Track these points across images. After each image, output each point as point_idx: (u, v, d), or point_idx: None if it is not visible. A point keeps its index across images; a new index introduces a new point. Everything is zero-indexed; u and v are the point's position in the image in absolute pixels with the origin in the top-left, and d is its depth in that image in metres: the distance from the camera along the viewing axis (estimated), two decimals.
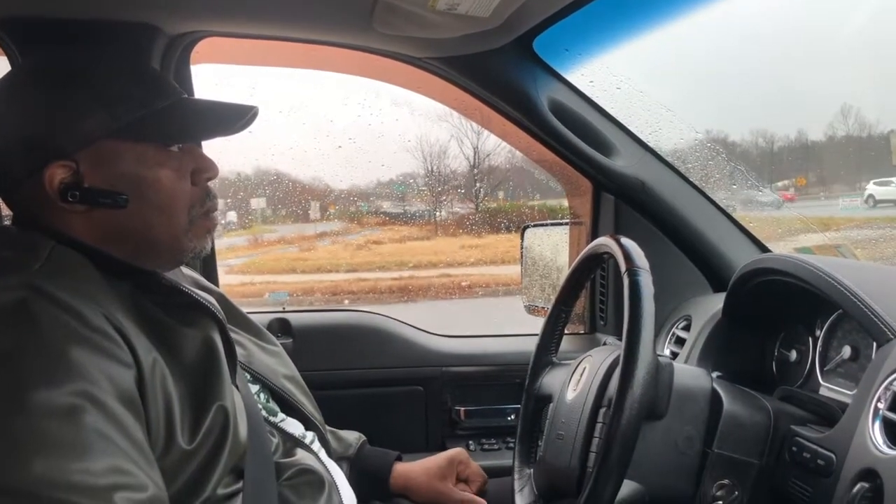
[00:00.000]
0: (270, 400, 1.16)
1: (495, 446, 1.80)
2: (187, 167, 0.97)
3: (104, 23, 1.28)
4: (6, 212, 1.03)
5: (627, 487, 0.97)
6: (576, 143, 1.67)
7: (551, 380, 1.25)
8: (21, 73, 0.96)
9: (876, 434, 0.91)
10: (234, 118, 0.99)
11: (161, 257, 0.97)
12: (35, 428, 0.69)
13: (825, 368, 1.19)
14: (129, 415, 0.78)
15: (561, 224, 2.03)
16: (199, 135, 1.05)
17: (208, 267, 1.67)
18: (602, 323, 1.91)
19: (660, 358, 1.02)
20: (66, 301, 0.78)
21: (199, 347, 0.93)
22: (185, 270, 1.19)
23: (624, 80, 1.71)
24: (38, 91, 0.91)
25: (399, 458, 1.38)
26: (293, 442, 1.10)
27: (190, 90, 1.51)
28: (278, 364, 1.23)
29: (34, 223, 0.91)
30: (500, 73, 1.59)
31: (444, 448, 1.58)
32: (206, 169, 0.99)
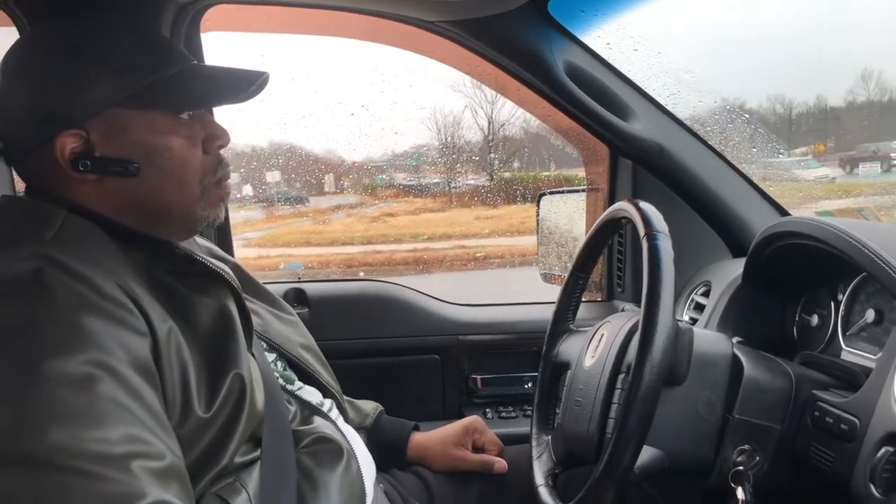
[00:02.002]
0: (287, 368, 1.16)
1: (512, 414, 1.80)
2: (198, 135, 0.96)
3: None
4: (19, 185, 1.02)
5: (647, 453, 0.96)
6: (592, 107, 1.64)
7: (569, 347, 1.24)
8: (28, 42, 0.95)
9: None
10: (244, 84, 0.97)
11: (174, 226, 0.96)
12: (50, 397, 0.69)
13: (848, 332, 1.17)
14: (145, 383, 0.77)
15: (577, 191, 2.01)
16: (209, 101, 1.03)
17: (223, 237, 1.67)
18: (619, 290, 1.90)
19: (679, 323, 1.01)
20: (80, 270, 0.78)
21: (215, 316, 0.92)
22: (200, 240, 1.19)
23: (641, 41, 1.67)
24: (46, 60, 0.90)
25: (416, 428, 1.39)
26: (311, 410, 1.10)
27: (200, 58, 1.50)
28: (294, 333, 1.23)
29: (46, 193, 0.91)
30: (515, 36, 1.57)
31: (460, 416, 1.59)
32: (217, 136, 0.98)
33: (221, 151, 1.00)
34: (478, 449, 1.36)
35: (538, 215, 2.05)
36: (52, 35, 0.93)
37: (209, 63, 1.07)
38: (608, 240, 1.27)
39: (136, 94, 0.89)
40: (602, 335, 1.12)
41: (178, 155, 0.93)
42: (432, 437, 1.36)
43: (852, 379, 1.06)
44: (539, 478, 1.15)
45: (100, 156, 0.89)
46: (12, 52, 0.92)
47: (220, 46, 1.59)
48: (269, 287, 1.28)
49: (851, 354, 1.14)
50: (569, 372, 1.18)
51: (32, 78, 0.89)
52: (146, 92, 0.90)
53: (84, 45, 0.90)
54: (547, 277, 2.05)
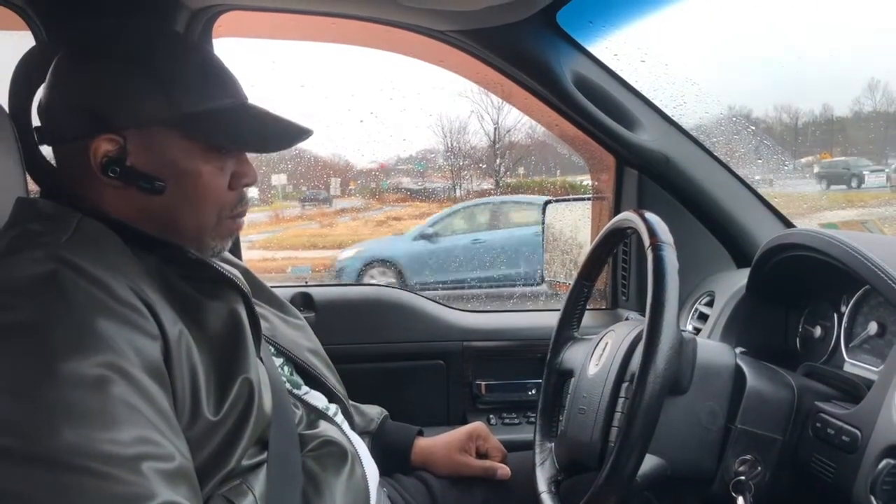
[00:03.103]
0: (294, 373, 1.17)
1: (516, 420, 1.80)
2: (229, 169, 0.96)
3: None
4: (33, 188, 1.04)
5: (650, 462, 0.97)
6: (599, 117, 1.65)
7: (573, 355, 1.24)
8: (87, 41, 0.95)
9: None
10: (289, 138, 0.98)
11: (182, 244, 0.97)
12: (64, 398, 0.70)
13: (850, 344, 1.18)
14: (156, 386, 0.79)
15: (582, 199, 2.01)
16: (253, 146, 1.01)
17: (232, 242, 1.68)
18: (624, 298, 1.91)
19: (683, 333, 1.02)
20: (94, 273, 0.79)
21: (225, 320, 0.93)
22: None
23: (649, 52, 1.68)
24: (103, 63, 0.90)
25: (420, 433, 1.39)
26: (317, 414, 1.11)
27: None
28: (302, 337, 1.24)
29: (63, 195, 0.92)
30: (524, 47, 1.58)
31: (465, 422, 1.60)
32: (246, 175, 0.98)
33: (245, 190, 1.01)
34: (481, 455, 1.37)
35: (543, 222, 2.06)
36: (117, 40, 0.93)
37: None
38: (613, 248, 1.28)
39: (182, 118, 0.90)
40: (606, 343, 1.13)
41: (206, 184, 0.94)
42: (436, 443, 1.37)
43: (854, 391, 1.06)
44: (542, 485, 1.16)
45: (131, 165, 0.90)
46: (74, 48, 0.93)
47: (232, 52, 1.61)
48: (276, 291, 1.29)
49: (854, 366, 1.15)
50: (573, 379, 1.19)
51: (90, 77, 0.90)
52: (192, 118, 0.91)
53: (145, 56, 0.90)
54: (552, 285, 2.06)
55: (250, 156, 1.02)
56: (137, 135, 0.89)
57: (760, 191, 1.73)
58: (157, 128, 0.90)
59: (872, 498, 0.89)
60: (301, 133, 0.98)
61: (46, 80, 0.93)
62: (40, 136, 0.97)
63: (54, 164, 0.97)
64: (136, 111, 0.88)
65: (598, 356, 1.13)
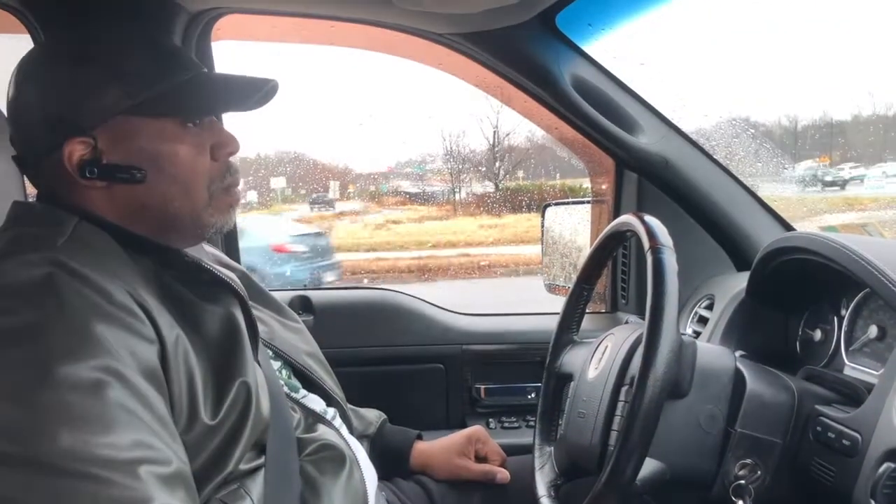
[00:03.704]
0: (292, 376, 1.16)
1: (515, 424, 1.80)
2: (206, 142, 0.96)
3: (125, 0, 1.28)
4: (31, 191, 1.04)
5: (649, 466, 0.97)
6: (599, 119, 1.65)
7: (572, 358, 1.24)
8: (39, 51, 0.96)
9: None
10: (252, 91, 0.97)
11: (183, 233, 0.97)
12: (60, 402, 0.70)
13: (850, 348, 1.18)
14: (153, 390, 0.78)
15: (582, 202, 2.01)
16: (217, 108, 1.02)
17: (230, 244, 1.68)
18: (623, 302, 1.90)
19: (683, 336, 1.01)
20: (90, 277, 0.79)
21: (222, 323, 0.93)
22: (208, 248, 1.19)
23: (648, 55, 1.68)
24: (55, 68, 0.91)
25: (419, 437, 1.39)
26: (315, 418, 1.11)
27: (211, 67, 1.51)
28: (300, 341, 1.23)
29: (57, 200, 0.92)
30: (523, 50, 1.58)
31: (464, 426, 1.59)
32: (226, 144, 0.98)
33: (231, 158, 1.00)
34: (480, 459, 1.36)
35: (543, 226, 2.06)
36: (63, 43, 0.94)
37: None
38: (613, 252, 1.27)
39: (145, 102, 0.89)
40: (606, 347, 1.13)
41: (185, 162, 0.93)
42: (435, 447, 1.36)
43: (855, 394, 1.06)
44: (541, 489, 1.15)
45: (107, 163, 0.89)
46: (26, 60, 0.93)
47: (232, 56, 1.61)
48: (274, 294, 1.29)
49: (854, 370, 1.15)
50: (572, 383, 1.19)
51: (43, 85, 0.90)
52: (154, 100, 0.90)
53: (94, 52, 0.91)
54: (551, 288, 2.06)
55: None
56: (106, 131, 0.89)
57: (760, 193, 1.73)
58: (122, 118, 0.89)
59: (873, 502, 0.89)
60: (262, 85, 0.97)
61: (8, 94, 0.93)
62: (18, 160, 0.97)
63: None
64: (97, 107, 0.88)
65: (597, 360, 1.13)
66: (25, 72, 0.92)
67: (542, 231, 2.06)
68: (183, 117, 0.93)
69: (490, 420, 1.81)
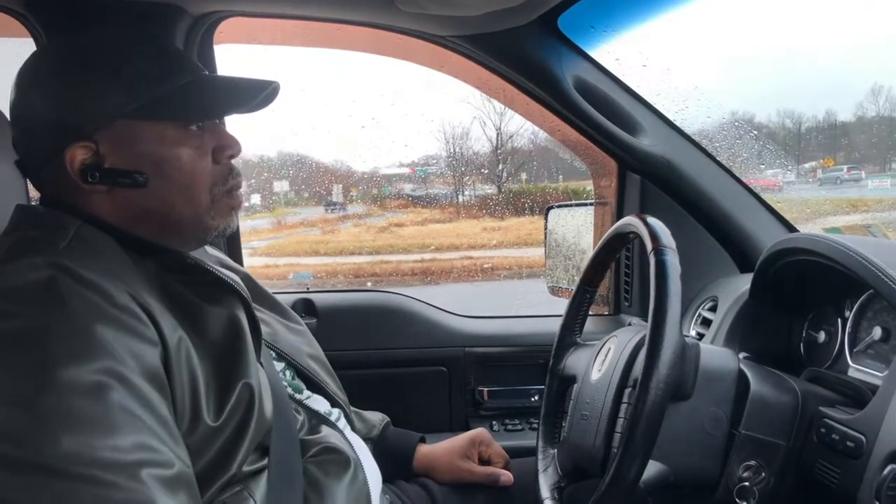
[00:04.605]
0: (296, 377, 1.16)
1: (518, 427, 1.80)
2: (208, 145, 0.96)
3: (128, 3, 1.29)
4: (34, 194, 1.04)
5: (653, 468, 0.97)
6: (601, 122, 1.65)
7: (575, 360, 1.24)
8: (42, 55, 0.96)
9: None
10: (253, 93, 0.97)
11: (185, 236, 0.97)
12: (63, 405, 0.70)
13: (854, 349, 1.17)
14: (155, 392, 0.78)
15: (585, 204, 2.01)
16: (219, 112, 1.02)
17: (233, 247, 1.68)
18: (626, 304, 1.90)
19: (686, 338, 1.01)
20: (92, 280, 0.79)
21: (225, 325, 0.93)
22: (210, 250, 1.19)
23: (650, 57, 1.68)
24: (58, 72, 0.91)
25: (422, 440, 1.39)
26: (318, 419, 1.11)
27: (213, 71, 1.51)
28: (303, 343, 1.23)
29: (60, 203, 0.92)
30: (525, 52, 1.58)
31: (467, 428, 1.59)
32: (227, 146, 0.98)
33: (233, 161, 1.00)
34: (484, 461, 1.36)
35: (546, 228, 2.06)
36: (64, 48, 0.94)
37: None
38: (616, 254, 1.27)
39: (145, 106, 0.90)
40: (609, 349, 1.13)
41: (187, 165, 0.93)
42: (438, 449, 1.36)
43: (859, 396, 1.05)
44: (545, 491, 1.15)
45: (109, 167, 0.89)
46: (29, 64, 0.94)
47: (234, 59, 1.61)
48: (277, 297, 1.29)
49: (858, 371, 1.14)
50: (575, 385, 1.18)
51: (44, 90, 0.90)
52: (155, 103, 0.90)
53: (95, 57, 0.91)
54: (554, 290, 2.06)
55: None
56: (108, 135, 0.89)
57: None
58: (124, 121, 0.89)
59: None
60: (264, 87, 0.97)
61: (11, 100, 0.93)
62: (20, 165, 0.97)
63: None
64: (98, 113, 0.88)
65: (600, 362, 1.12)
66: (28, 76, 0.93)
67: (545, 233, 2.06)
68: (183, 120, 0.93)
69: (493, 422, 1.81)
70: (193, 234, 0.97)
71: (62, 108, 0.89)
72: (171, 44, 0.99)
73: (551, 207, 2.07)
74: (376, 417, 1.38)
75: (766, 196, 1.72)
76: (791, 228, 1.73)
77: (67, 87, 0.89)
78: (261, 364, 0.99)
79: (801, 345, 1.30)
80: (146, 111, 0.90)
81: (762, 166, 1.88)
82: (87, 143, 0.88)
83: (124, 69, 0.90)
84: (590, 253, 1.29)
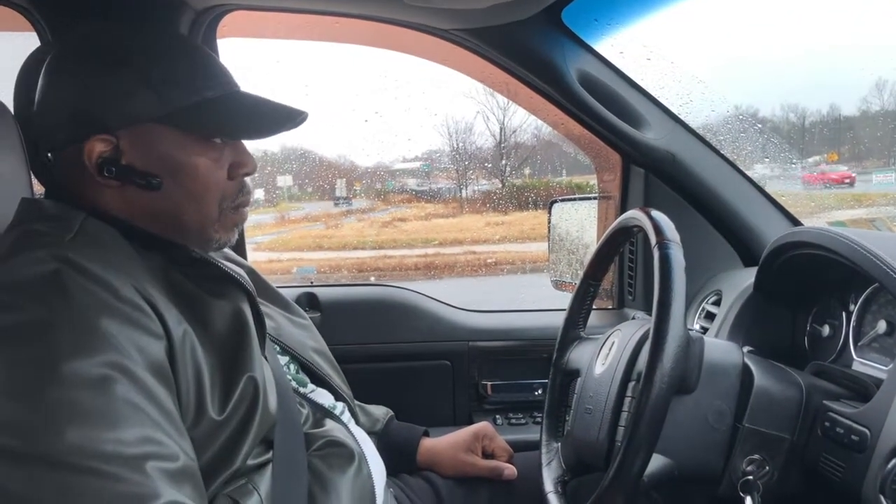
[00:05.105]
0: (300, 371, 1.16)
1: (522, 421, 1.80)
2: (226, 159, 0.96)
3: None
4: (38, 189, 1.04)
5: (656, 461, 0.97)
6: (605, 115, 1.65)
7: (579, 354, 1.24)
8: (73, 44, 0.95)
9: None
10: (283, 120, 0.97)
11: (188, 240, 0.97)
12: (67, 398, 0.70)
13: (859, 343, 1.17)
14: (160, 385, 0.78)
15: (589, 198, 2.01)
16: (247, 134, 1.00)
17: (237, 242, 1.68)
18: (630, 298, 1.90)
19: (690, 332, 1.01)
20: (97, 273, 0.79)
21: (229, 319, 0.93)
22: None
23: (654, 50, 1.68)
24: (94, 65, 0.90)
25: (426, 434, 1.39)
26: (323, 412, 1.11)
27: None
28: (307, 337, 1.23)
29: (66, 195, 0.92)
30: (529, 45, 1.57)
31: (471, 422, 1.59)
32: (244, 164, 0.98)
33: (246, 179, 1.00)
34: (487, 455, 1.36)
35: (549, 222, 2.06)
36: (103, 42, 0.93)
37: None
38: (620, 247, 1.27)
39: (174, 113, 0.90)
40: (613, 343, 1.13)
41: (203, 176, 0.93)
42: (442, 443, 1.36)
43: (863, 390, 1.05)
44: (548, 485, 1.15)
45: (126, 164, 0.90)
46: (61, 52, 0.93)
47: (237, 52, 1.61)
48: (281, 291, 1.29)
49: (863, 365, 1.14)
50: (579, 379, 1.18)
51: (77, 79, 0.90)
52: (184, 112, 0.90)
53: (132, 55, 0.90)
54: (558, 284, 2.06)
55: (249, 146, 1.01)
56: (130, 133, 0.89)
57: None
58: (150, 124, 0.89)
59: (882, 497, 0.89)
60: (294, 115, 0.97)
61: (38, 86, 0.92)
62: (32, 147, 0.97)
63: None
64: (126, 110, 0.88)
65: (604, 356, 1.12)
66: (60, 63, 0.92)
67: (549, 228, 2.06)
68: (210, 135, 0.93)
69: (497, 416, 1.81)
70: (195, 241, 0.98)
71: (92, 100, 0.88)
72: (203, 49, 0.99)
73: (555, 202, 2.07)
74: (380, 411, 1.38)
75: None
76: (795, 222, 1.72)
77: (102, 80, 0.89)
78: (265, 358, 0.99)
79: (806, 338, 1.30)
80: (174, 119, 0.90)
81: (766, 159, 1.87)
82: (109, 137, 0.88)
83: (158, 72, 0.90)
84: (593, 247, 1.29)
